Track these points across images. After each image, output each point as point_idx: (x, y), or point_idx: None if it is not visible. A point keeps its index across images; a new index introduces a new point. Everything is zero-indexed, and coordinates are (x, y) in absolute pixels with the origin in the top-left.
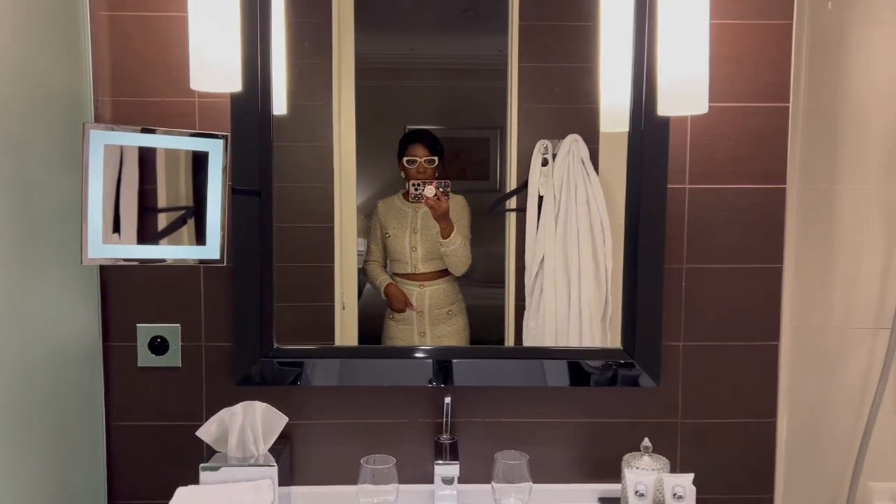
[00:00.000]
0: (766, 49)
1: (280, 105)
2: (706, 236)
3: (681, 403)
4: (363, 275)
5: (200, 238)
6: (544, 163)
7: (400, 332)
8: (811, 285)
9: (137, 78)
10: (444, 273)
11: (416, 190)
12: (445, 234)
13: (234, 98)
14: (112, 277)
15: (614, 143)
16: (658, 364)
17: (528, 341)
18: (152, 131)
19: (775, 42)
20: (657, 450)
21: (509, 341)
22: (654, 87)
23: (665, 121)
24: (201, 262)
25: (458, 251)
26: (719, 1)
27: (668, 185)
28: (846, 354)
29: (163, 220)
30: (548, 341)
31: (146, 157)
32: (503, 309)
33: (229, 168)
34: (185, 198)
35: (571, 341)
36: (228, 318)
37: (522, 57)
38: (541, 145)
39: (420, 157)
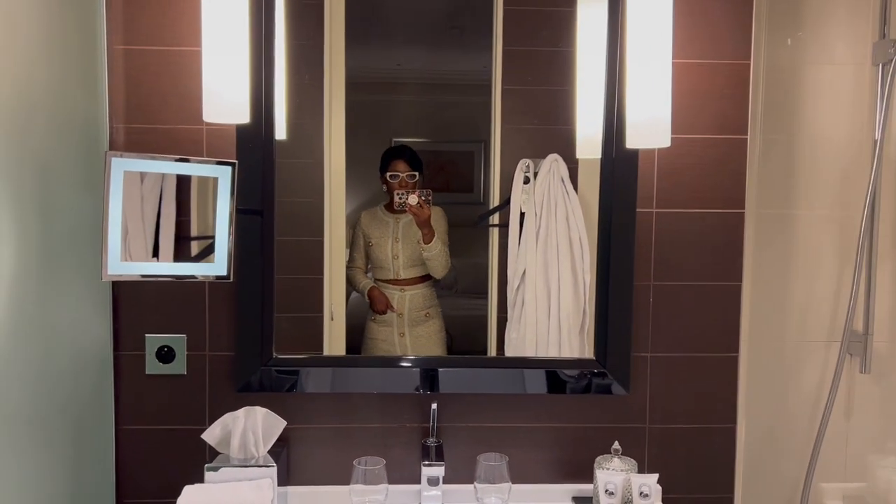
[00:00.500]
0: (727, 86)
1: (281, 130)
2: (672, 256)
3: (648, 410)
4: (347, 281)
5: (209, 255)
6: (526, 181)
7: (381, 332)
8: (768, 302)
9: (149, 107)
10: (424, 279)
11: (400, 199)
12: (427, 239)
13: (241, 129)
14: (123, 291)
15: (591, 164)
16: (628, 373)
17: (510, 351)
18: (170, 159)
19: (734, 80)
20: (626, 452)
21: (492, 351)
22: (623, 121)
23: (634, 151)
24: (210, 278)
25: (438, 255)
26: (683, 43)
27: (638, 209)
28: (801, 366)
29: (177, 240)
30: (528, 351)
31: (162, 182)
32: (486, 320)
33: (236, 192)
34: (196, 219)
35: (551, 351)
36: (231, 329)
37: (506, 79)
38: (523, 164)
39: (402, 172)
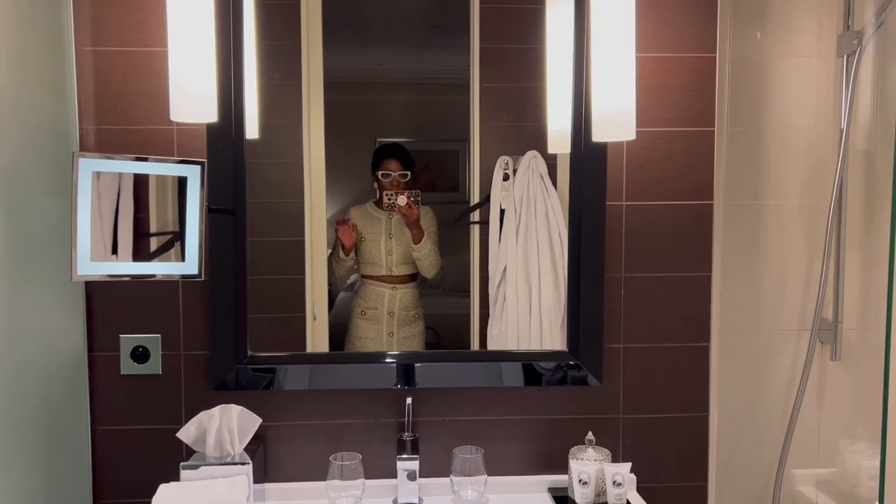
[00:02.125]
0: (692, 79)
1: (252, 129)
2: (642, 248)
3: (622, 400)
4: (328, 265)
5: (180, 255)
6: (505, 178)
7: (370, 331)
8: (738, 292)
9: (119, 108)
10: (414, 277)
11: (389, 199)
12: (416, 239)
13: (210, 128)
14: (97, 292)
15: (568, 159)
16: (600, 364)
17: (492, 346)
18: (139, 159)
19: (700, 73)
20: (601, 442)
21: (474, 347)
22: (590, 116)
23: (602, 145)
24: (182, 277)
25: (428, 255)
26: (648, 37)
27: (607, 203)
28: (772, 354)
29: (146, 239)
30: (510, 347)
31: (130, 182)
32: (469, 317)
33: (206, 190)
34: (167, 219)
35: (532, 346)
36: (205, 328)
37: (484, 77)
38: (502, 161)
39: (394, 171)
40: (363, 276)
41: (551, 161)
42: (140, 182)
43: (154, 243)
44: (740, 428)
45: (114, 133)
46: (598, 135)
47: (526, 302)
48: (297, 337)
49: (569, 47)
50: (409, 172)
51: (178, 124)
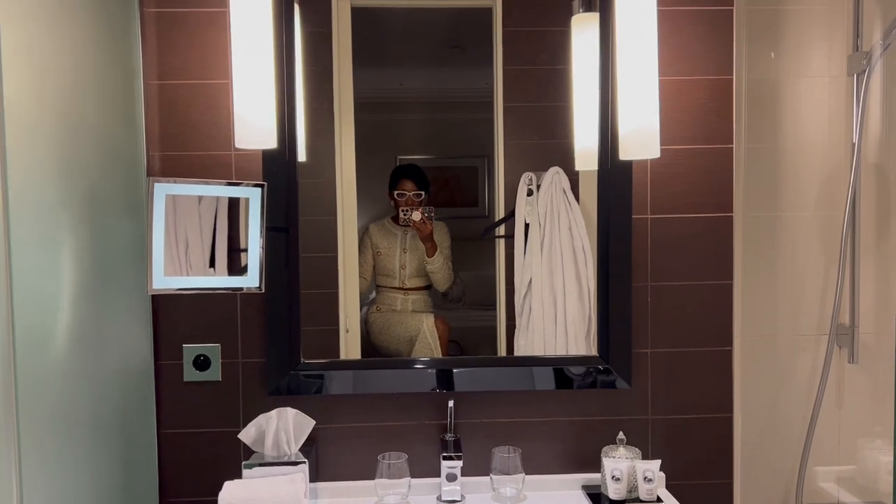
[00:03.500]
0: (711, 100)
1: (301, 153)
2: (666, 258)
3: (650, 402)
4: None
5: (243, 270)
6: (529, 193)
7: (384, 323)
8: (759, 299)
9: (182, 135)
10: (426, 287)
11: (405, 215)
12: (430, 253)
13: (267, 154)
14: (162, 305)
15: (590, 175)
16: (629, 369)
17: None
18: (205, 182)
19: (718, 93)
20: (631, 442)
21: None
22: (616, 135)
23: (628, 163)
24: (244, 290)
25: (441, 268)
26: (668, 61)
27: (633, 216)
28: (792, 358)
29: (215, 256)
30: (537, 355)
31: (199, 203)
32: (495, 329)
33: (265, 210)
34: (231, 236)
35: (558, 354)
36: (261, 337)
37: (507, 96)
38: (526, 177)
39: (409, 191)
40: (378, 286)
41: (573, 176)
42: (208, 204)
43: (231, 262)
44: (763, 427)
45: (177, 158)
46: (625, 153)
47: (551, 313)
48: (332, 350)
49: (594, 69)
50: (423, 193)
51: (237, 150)
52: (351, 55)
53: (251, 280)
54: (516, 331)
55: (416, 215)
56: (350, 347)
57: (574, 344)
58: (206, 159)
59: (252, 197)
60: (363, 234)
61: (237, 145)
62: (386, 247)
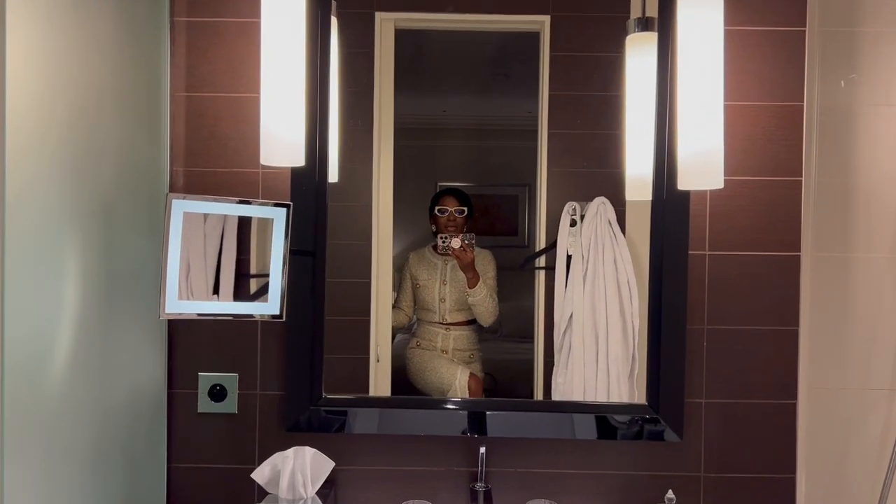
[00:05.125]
0: (779, 128)
1: (333, 174)
2: (726, 300)
3: (703, 457)
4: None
5: (263, 295)
6: (572, 223)
7: (424, 358)
8: (827, 347)
9: (208, 151)
10: (470, 322)
11: (443, 242)
12: (471, 283)
13: (295, 171)
14: (178, 330)
15: (639, 207)
16: (681, 419)
17: (557, 396)
18: (227, 200)
19: (787, 121)
20: (681, 502)
21: (538, 396)
22: (674, 163)
23: (685, 194)
24: (264, 317)
25: (484, 301)
26: (733, 85)
27: (690, 252)
28: (863, 414)
29: (233, 280)
30: (576, 396)
31: (222, 223)
32: (532, 364)
33: (290, 233)
34: (252, 259)
35: (599, 397)
36: (282, 368)
37: (552, 123)
38: (569, 207)
39: (451, 207)
40: (419, 320)
41: (620, 207)
42: (229, 223)
43: (250, 287)
44: (829, 491)
45: (201, 175)
46: (684, 182)
47: (593, 351)
48: (361, 379)
49: (650, 92)
50: (465, 209)
51: (264, 168)
52: (393, 78)
53: (271, 307)
54: (555, 368)
55: (456, 242)
56: (380, 379)
57: (616, 384)
58: (232, 176)
59: (277, 218)
60: (402, 265)
61: (263, 161)
62: (425, 278)
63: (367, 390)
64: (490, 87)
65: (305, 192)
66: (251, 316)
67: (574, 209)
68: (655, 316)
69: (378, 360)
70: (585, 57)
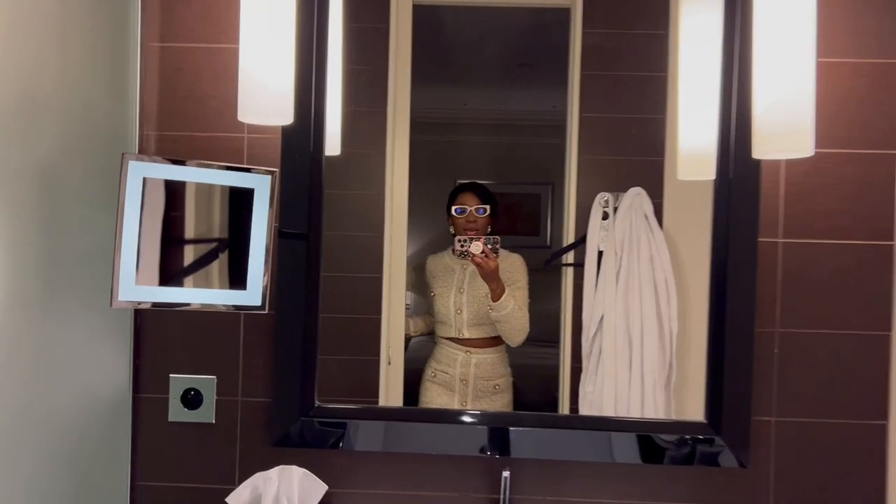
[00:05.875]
0: (875, 89)
1: (334, 145)
2: (802, 297)
3: (772, 488)
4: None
5: (241, 282)
6: (604, 216)
7: (439, 398)
8: None
9: (186, 111)
10: (496, 341)
11: (462, 246)
12: (495, 296)
13: (286, 133)
14: (146, 323)
15: (683, 197)
16: (746, 442)
17: (585, 407)
18: (197, 164)
19: (885, 81)
20: None
21: (564, 406)
22: (747, 128)
23: (755, 167)
24: (240, 308)
25: (510, 317)
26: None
27: (759, 239)
28: None
29: (202, 262)
30: (606, 408)
31: (187, 192)
32: (557, 370)
33: (276, 208)
34: (226, 238)
35: (633, 409)
36: (268, 371)
37: (584, 107)
38: (601, 198)
39: (470, 205)
40: (437, 337)
41: (657, 200)
42: (200, 193)
43: (225, 271)
44: None
45: (177, 140)
46: (762, 149)
47: (626, 357)
48: (369, 385)
49: (710, 46)
50: (487, 207)
51: (250, 130)
52: (410, 60)
53: (252, 296)
54: (582, 375)
55: (477, 246)
56: (391, 386)
57: (651, 395)
58: (213, 142)
59: (259, 187)
60: (421, 269)
61: (241, 117)
62: (440, 286)
63: (375, 396)
64: (514, 80)
65: (298, 160)
66: (227, 307)
67: (606, 201)
68: (716, 317)
69: (390, 363)
70: (622, 34)
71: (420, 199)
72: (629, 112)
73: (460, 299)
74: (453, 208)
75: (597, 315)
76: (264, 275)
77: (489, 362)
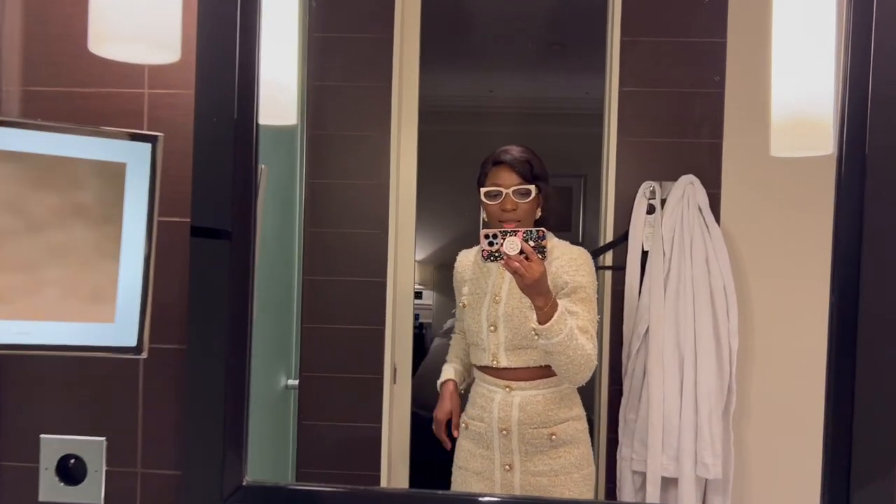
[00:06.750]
0: None
1: (283, 114)
2: None
3: None
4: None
5: (105, 308)
6: (650, 210)
7: (475, 460)
8: None
9: (61, 60)
10: (548, 371)
11: (491, 244)
12: (543, 316)
13: (200, 91)
14: (11, 365)
15: (747, 185)
16: None
17: (626, 436)
18: (33, 127)
19: None
20: None
21: (601, 434)
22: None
23: None
24: (102, 350)
25: (565, 344)
26: None
27: None
28: None
29: (39, 277)
30: (653, 439)
31: (19, 171)
32: (592, 392)
33: (159, 190)
34: (80, 240)
35: (685, 441)
36: (178, 430)
37: (625, 80)
38: (646, 188)
39: (506, 186)
40: (473, 366)
41: (713, 190)
42: (40, 170)
43: (73, 294)
44: None
45: (50, 98)
46: None
47: (676, 378)
48: (374, 402)
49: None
50: (532, 189)
51: (153, 84)
52: (419, 33)
53: (119, 331)
54: (623, 399)
55: (513, 244)
56: (398, 408)
57: (707, 424)
58: (100, 101)
59: (132, 162)
60: (449, 270)
61: (92, 46)
62: (471, 292)
63: (375, 468)
64: (544, 63)
65: (218, 126)
66: (81, 349)
67: (652, 191)
68: (842, 342)
69: (395, 383)
70: None
71: (438, 194)
72: (679, 85)
73: (495, 311)
74: (483, 191)
75: (640, 327)
76: (142, 297)
77: (540, 401)
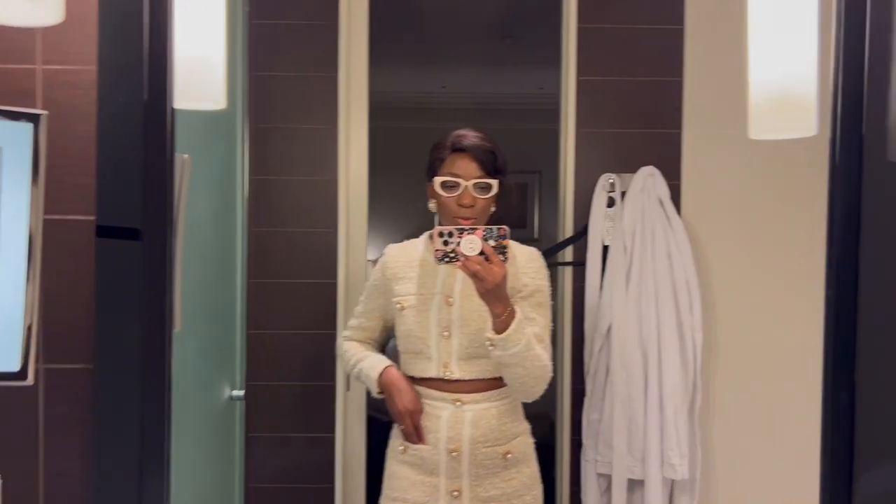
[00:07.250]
0: None
1: (214, 97)
2: None
3: None
4: (338, 359)
5: None
6: (610, 203)
7: (415, 489)
8: None
9: None
10: (497, 382)
11: (445, 243)
12: (500, 324)
13: (103, 61)
14: None
15: (707, 175)
16: None
17: (590, 437)
18: None
19: None
20: None
21: (563, 437)
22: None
23: None
24: None
25: (523, 357)
26: None
27: None
28: None
29: None
30: (618, 439)
31: None
32: (554, 393)
33: (44, 182)
34: None
35: (650, 442)
36: (86, 462)
37: (582, 68)
38: (605, 180)
39: (466, 178)
40: (409, 377)
41: (673, 182)
42: None
43: None
44: None
45: None
46: None
47: (640, 376)
48: (325, 412)
49: None
50: (492, 183)
51: (46, 61)
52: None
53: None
54: (586, 399)
55: (472, 244)
56: (353, 415)
57: (672, 423)
58: None
59: (7, 146)
60: (377, 266)
61: None
62: (414, 290)
63: (329, 479)
64: (497, 57)
65: (125, 105)
66: None
67: (612, 183)
68: (837, 348)
69: (349, 391)
70: None
71: (387, 190)
72: (637, 74)
73: (448, 315)
74: (439, 180)
75: (603, 325)
76: (24, 312)
77: (494, 415)
